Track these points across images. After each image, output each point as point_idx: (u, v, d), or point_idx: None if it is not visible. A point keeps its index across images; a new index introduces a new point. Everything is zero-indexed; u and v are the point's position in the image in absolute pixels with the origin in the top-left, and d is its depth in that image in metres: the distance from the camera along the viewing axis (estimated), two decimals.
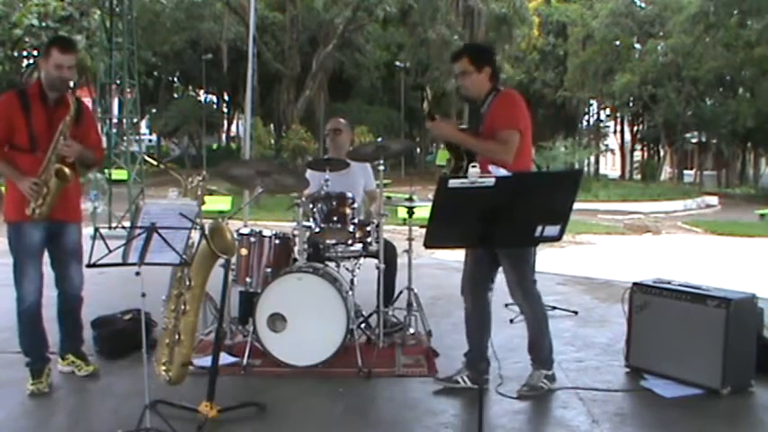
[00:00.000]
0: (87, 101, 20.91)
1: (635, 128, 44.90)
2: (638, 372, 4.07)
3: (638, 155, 48.14)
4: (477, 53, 3.78)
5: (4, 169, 3.64)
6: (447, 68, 23.54)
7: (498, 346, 4.64)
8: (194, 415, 3.25)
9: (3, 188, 3.90)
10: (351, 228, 4.42)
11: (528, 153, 3.75)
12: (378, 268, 4.42)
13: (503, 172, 3.37)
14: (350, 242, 4.46)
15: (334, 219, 4.40)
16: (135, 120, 14.91)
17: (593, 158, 43.72)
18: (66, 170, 3.57)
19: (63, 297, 3.92)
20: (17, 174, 3.59)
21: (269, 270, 4.30)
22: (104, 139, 12.48)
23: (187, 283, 3.31)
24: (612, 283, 6.99)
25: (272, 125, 36.57)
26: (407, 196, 4.97)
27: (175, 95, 43.28)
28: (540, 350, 3.84)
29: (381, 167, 4.49)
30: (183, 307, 3.31)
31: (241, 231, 4.39)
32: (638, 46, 36.56)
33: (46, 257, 3.83)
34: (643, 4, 36.44)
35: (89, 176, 12.31)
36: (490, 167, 3.38)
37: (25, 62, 29.90)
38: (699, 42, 31.37)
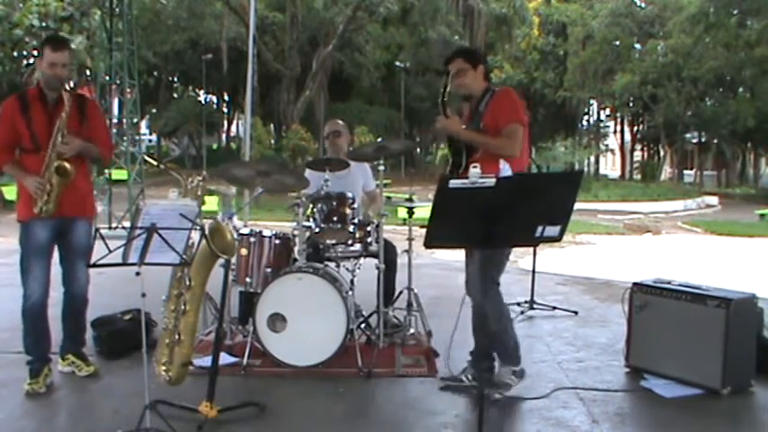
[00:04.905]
0: None
1: (635, 128, 44.88)
2: (638, 372, 4.07)
3: (638, 155, 48.12)
4: (471, 53, 3.96)
5: (12, 171, 3.73)
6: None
7: None
8: (194, 415, 3.25)
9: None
10: (351, 228, 4.41)
11: (526, 149, 3.77)
12: (378, 268, 4.42)
13: (508, 169, 3.41)
14: (350, 242, 4.45)
15: (334, 219, 4.40)
16: (135, 120, 14.94)
17: (593, 158, 43.76)
18: (67, 166, 3.60)
19: (68, 297, 3.92)
20: (23, 174, 3.67)
21: (269, 270, 4.30)
22: None
23: (187, 283, 3.31)
24: (612, 283, 6.99)
25: (272, 125, 36.62)
26: (407, 196, 4.97)
27: (175, 95, 43.29)
28: (505, 346, 3.79)
29: (381, 167, 4.49)
30: (183, 307, 3.30)
31: (241, 231, 4.39)
32: (638, 46, 36.56)
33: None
34: (643, 4, 36.45)
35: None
36: (501, 164, 3.42)
37: (25, 62, 29.92)
38: (699, 42, 31.40)
